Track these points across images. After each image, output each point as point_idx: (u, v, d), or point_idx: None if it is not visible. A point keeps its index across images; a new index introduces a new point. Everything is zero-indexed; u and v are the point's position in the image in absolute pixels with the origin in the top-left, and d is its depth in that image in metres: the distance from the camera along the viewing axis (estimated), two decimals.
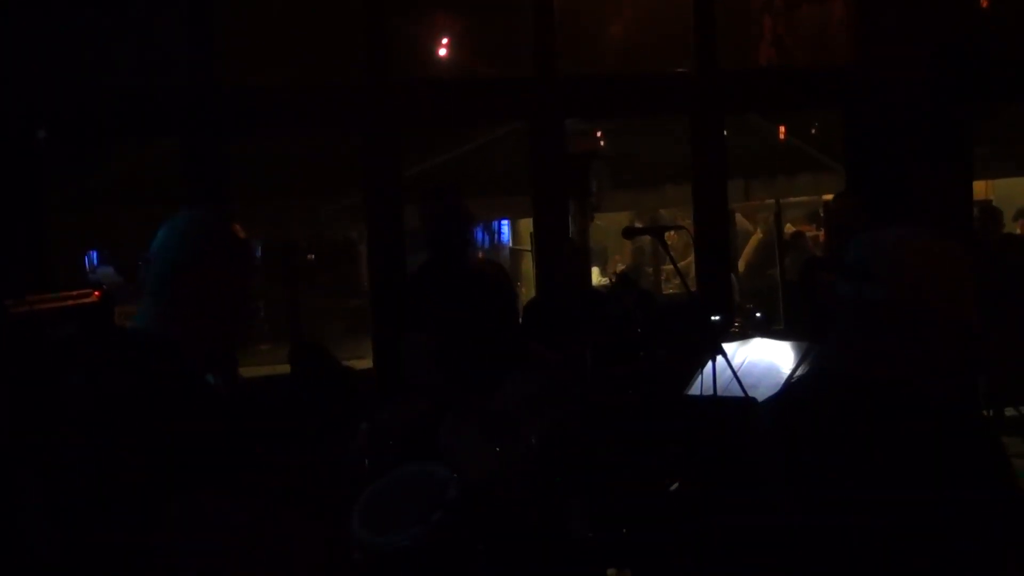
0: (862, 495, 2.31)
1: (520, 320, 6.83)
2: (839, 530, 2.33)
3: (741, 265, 13.76)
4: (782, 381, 5.83)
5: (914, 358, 2.42)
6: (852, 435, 2.37)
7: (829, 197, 9.58)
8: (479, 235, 20.95)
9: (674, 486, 6.15)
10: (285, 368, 11.30)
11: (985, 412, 9.88)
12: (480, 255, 14.99)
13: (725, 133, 9.61)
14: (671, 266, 7.23)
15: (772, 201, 13.98)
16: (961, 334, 2.42)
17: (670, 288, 14.55)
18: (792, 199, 14.92)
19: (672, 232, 7.34)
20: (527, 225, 13.04)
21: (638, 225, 10.54)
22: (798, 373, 5.84)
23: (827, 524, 2.35)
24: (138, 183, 9.37)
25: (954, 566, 2.27)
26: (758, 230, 15.28)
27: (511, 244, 16.34)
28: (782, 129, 12.20)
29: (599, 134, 11.50)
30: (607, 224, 15.39)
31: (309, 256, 16.72)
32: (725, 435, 5.63)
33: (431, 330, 5.65)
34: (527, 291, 13.07)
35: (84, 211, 10.03)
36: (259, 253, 16.61)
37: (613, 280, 8.91)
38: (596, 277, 14.49)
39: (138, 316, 2.81)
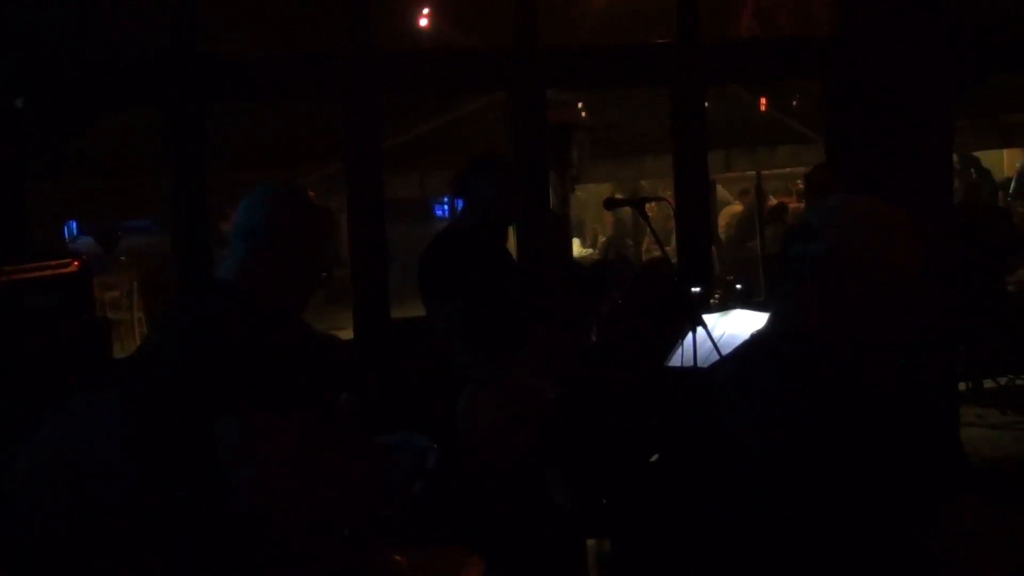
0: (822, 455, 2.44)
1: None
2: (804, 489, 2.45)
3: (722, 237, 13.81)
4: None
5: (857, 310, 2.56)
6: (806, 392, 2.51)
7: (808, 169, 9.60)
8: (460, 207, 20.94)
9: (654, 457, 6.16)
10: None
11: (964, 384, 9.94)
12: None
13: (706, 104, 9.60)
14: (652, 237, 7.23)
15: (753, 173, 14.03)
16: (905, 289, 2.56)
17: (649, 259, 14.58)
18: (773, 171, 14.97)
19: (653, 204, 7.34)
20: None
21: (619, 197, 10.54)
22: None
23: (792, 485, 2.46)
24: (117, 153, 9.35)
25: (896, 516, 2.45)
26: (736, 202, 15.32)
27: None
28: (763, 100, 12.21)
29: (580, 105, 11.50)
30: (587, 196, 15.42)
31: None
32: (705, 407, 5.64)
33: (466, 297, 5.55)
34: None
35: (63, 181, 10.00)
36: None
37: (600, 252, 8.89)
38: (577, 249, 14.51)
39: (224, 268, 3.28)
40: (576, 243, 14.80)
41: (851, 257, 2.53)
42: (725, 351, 5.47)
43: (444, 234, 5.83)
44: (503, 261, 5.78)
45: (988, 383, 10.23)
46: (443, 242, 5.76)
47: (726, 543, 2.60)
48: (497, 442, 5.30)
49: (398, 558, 3.66)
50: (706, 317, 5.72)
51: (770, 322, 2.75)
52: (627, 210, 11.89)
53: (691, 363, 5.57)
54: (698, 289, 7.82)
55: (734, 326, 6.14)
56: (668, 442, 6.04)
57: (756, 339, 2.78)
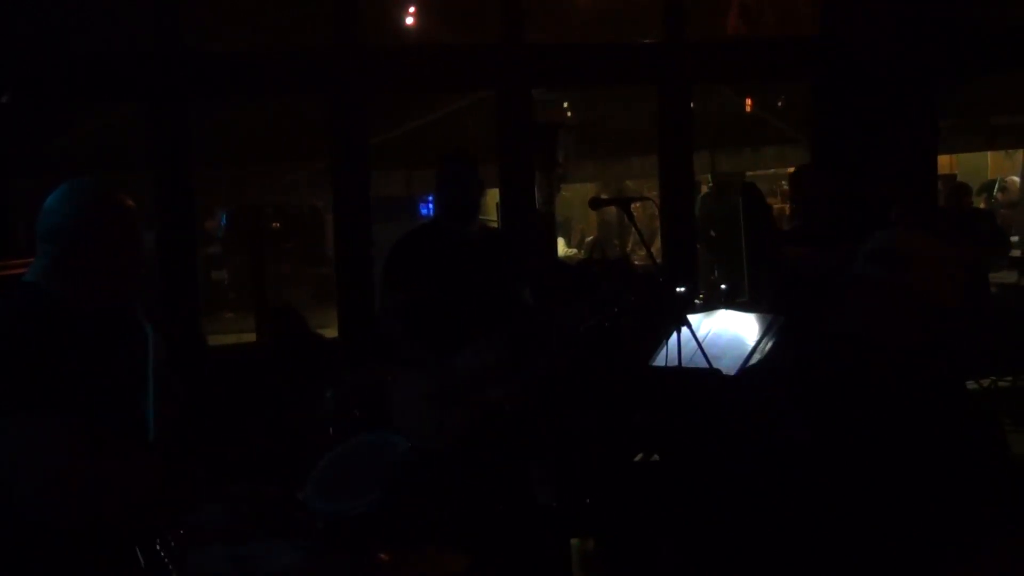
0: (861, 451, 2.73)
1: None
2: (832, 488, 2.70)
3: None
4: (746, 353, 5.85)
5: (916, 333, 2.91)
6: (861, 393, 2.84)
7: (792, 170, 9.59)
8: None
9: (638, 457, 6.17)
10: (251, 336, 11.27)
11: None
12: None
13: (692, 104, 9.60)
14: (637, 237, 7.23)
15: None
16: (952, 320, 2.92)
17: (636, 259, 14.60)
18: (758, 172, 14.97)
19: (638, 203, 7.33)
20: (493, 195, 13.03)
21: (604, 196, 10.54)
22: (767, 343, 5.86)
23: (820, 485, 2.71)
24: (102, 150, 9.30)
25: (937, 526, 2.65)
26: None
27: None
28: (749, 101, 12.21)
29: (566, 104, 11.49)
30: (572, 195, 15.41)
31: (274, 224, 16.65)
32: (689, 406, 5.66)
33: (410, 291, 5.74)
34: None
35: (47, 178, 9.94)
36: (224, 220, 16.55)
37: (585, 251, 8.89)
38: (562, 248, 14.52)
39: (30, 271, 3.14)
40: (561, 242, 14.80)
41: (929, 290, 2.91)
42: (710, 351, 5.48)
43: (411, 230, 6.03)
44: (471, 256, 5.79)
45: (972, 385, 10.25)
46: (404, 237, 5.96)
47: (722, 542, 2.67)
48: (427, 428, 5.35)
49: (383, 556, 3.66)
50: (691, 317, 5.73)
51: (823, 329, 3.16)
52: (613, 210, 11.89)
53: (676, 363, 5.57)
54: (683, 289, 7.83)
55: (719, 326, 6.15)
56: (653, 441, 6.04)
57: (811, 346, 3.21)
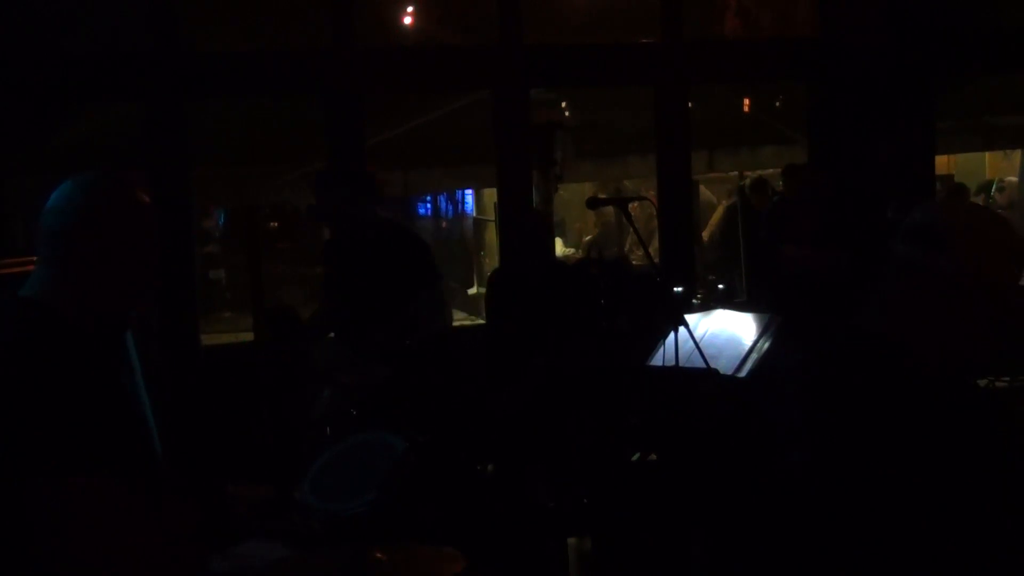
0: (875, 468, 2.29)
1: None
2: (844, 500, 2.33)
3: (705, 236, 13.80)
4: (743, 352, 5.86)
5: (960, 330, 2.37)
6: (877, 406, 2.34)
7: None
8: (443, 205, 20.95)
9: (635, 456, 6.17)
10: (248, 335, 11.25)
11: None
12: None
13: (689, 104, 9.60)
14: (635, 237, 7.24)
15: (735, 174, 14.02)
16: (1012, 314, 2.37)
17: (634, 259, 14.59)
18: (756, 172, 14.95)
19: (636, 203, 7.33)
20: (491, 195, 13.04)
21: (602, 196, 10.53)
22: (764, 343, 5.86)
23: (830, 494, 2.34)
24: (99, 148, 9.30)
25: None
26: (723, 203, 15.31)
27: (475, 214, 16.32)
28: (746, 101, 12.21)
29: (563, 104, 11.49)
30: (570, 195, 15.40)
31: (272, 223, 16.65)
32: (686, 405, 5.66)
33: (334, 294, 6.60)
34: (491, 262, 13.07)
35: (44, 176, 9.94)
36: (222, 220, 16.55)
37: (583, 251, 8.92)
38: (560, 248, 14.51)
39: (29, 283, 2.70)
40: (559, 242, 14.78)
41: (975, 277, 2.34)
42: (707, 351, 5.48)
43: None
44: (356, 256, 6.42)
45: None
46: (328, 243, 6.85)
47: (721, 541, 2.55)
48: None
49: (380, 556, 3.65)
50: (688, 316, 5.73)
51: (852, 321, 2.50)
52: (610, 209, 11.88)
53: (673, 362, 5.57)
54: (680, 288, 7.83)
55: (716, 325, 6.15)
56: (650, 441, 6.05)
57: (827, 343, 2.56)
